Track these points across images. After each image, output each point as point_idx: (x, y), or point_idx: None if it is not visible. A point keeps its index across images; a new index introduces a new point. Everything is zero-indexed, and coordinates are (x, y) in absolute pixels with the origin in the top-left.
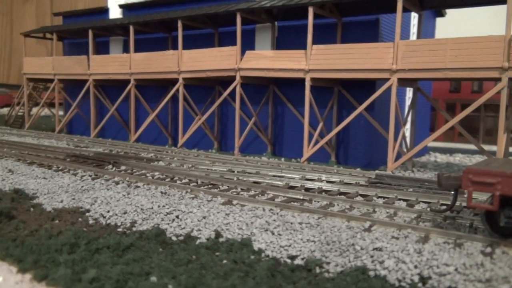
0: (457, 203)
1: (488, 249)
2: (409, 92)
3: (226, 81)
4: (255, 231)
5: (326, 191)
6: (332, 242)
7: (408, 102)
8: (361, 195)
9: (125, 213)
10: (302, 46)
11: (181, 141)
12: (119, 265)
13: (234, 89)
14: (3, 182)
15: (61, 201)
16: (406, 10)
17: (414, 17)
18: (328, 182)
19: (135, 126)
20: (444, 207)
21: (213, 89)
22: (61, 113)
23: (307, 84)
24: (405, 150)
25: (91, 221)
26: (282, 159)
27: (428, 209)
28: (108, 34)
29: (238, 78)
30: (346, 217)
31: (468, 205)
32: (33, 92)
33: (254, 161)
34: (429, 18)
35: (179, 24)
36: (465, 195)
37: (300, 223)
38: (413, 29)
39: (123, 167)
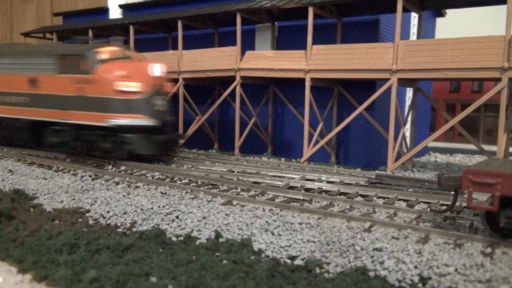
0: (457, 204)
1: (488, 250)
2: (409, 92)
3: (226, 81)
4: (255, 231)
5: (326, 192)
6: (332, 243)
7: (408, 102)
8: (361, 196)
9: (125, 213)
10: (302, 46)
11: (181, 141)
12: (119, 266)
13: (234, 89)
14: (3, 182)
15: (61, 202)
16: (406, 10)
17: (414, 17)
18: (328, 182)
19: None
20: (444, 207)
21: (213, 89)
22: None
23: (307, 84)
24: (405, 150)
25: (91, 222)
26: (282, 159)
27: (428, 209)
28: (108, 34)
29: (238, 78)
30: (346, 218)
31: (468, 205)
32: None
33: (254, 161)
34: (429, 18)
35: (179, 24)
36: (465, 196)
37: (300, 224)
38: (413, 29)
39: (123, 167)
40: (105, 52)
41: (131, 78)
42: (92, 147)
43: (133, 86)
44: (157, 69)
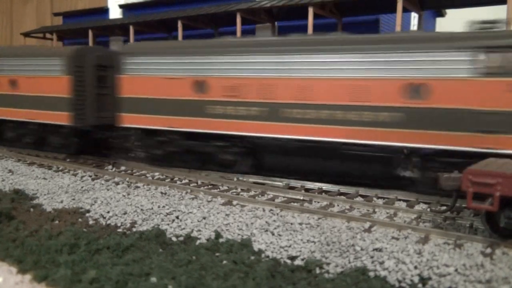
0: (457, 204)
1: (488, 250)
2: None
3: None
4: (255, 231)
5: (326, 192)
6: (332, 243)
7: None
8: (361, 196)
9: (125, 213)
10: None
11: None
12: (119, 266)
13: None
14: (3, 182)
15: (61, 202)
16: (406, 10)
17: (414, 17)
18: (328, 182)
19: None
20: (444, 207)
21: None
22: None
23: None
24: None
25: (91, 222)
26: None
27: (428, 209)
28: (108, 34)
29: None
30: (346, 218)
31: (468, 205)
32: None
33: None
34: (429, 18)
35: (179, 24)
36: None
37: (300, 224)
38: (413, 29)
39: (123, 168)
40: None
41: None
42: None
43: None
44: None
